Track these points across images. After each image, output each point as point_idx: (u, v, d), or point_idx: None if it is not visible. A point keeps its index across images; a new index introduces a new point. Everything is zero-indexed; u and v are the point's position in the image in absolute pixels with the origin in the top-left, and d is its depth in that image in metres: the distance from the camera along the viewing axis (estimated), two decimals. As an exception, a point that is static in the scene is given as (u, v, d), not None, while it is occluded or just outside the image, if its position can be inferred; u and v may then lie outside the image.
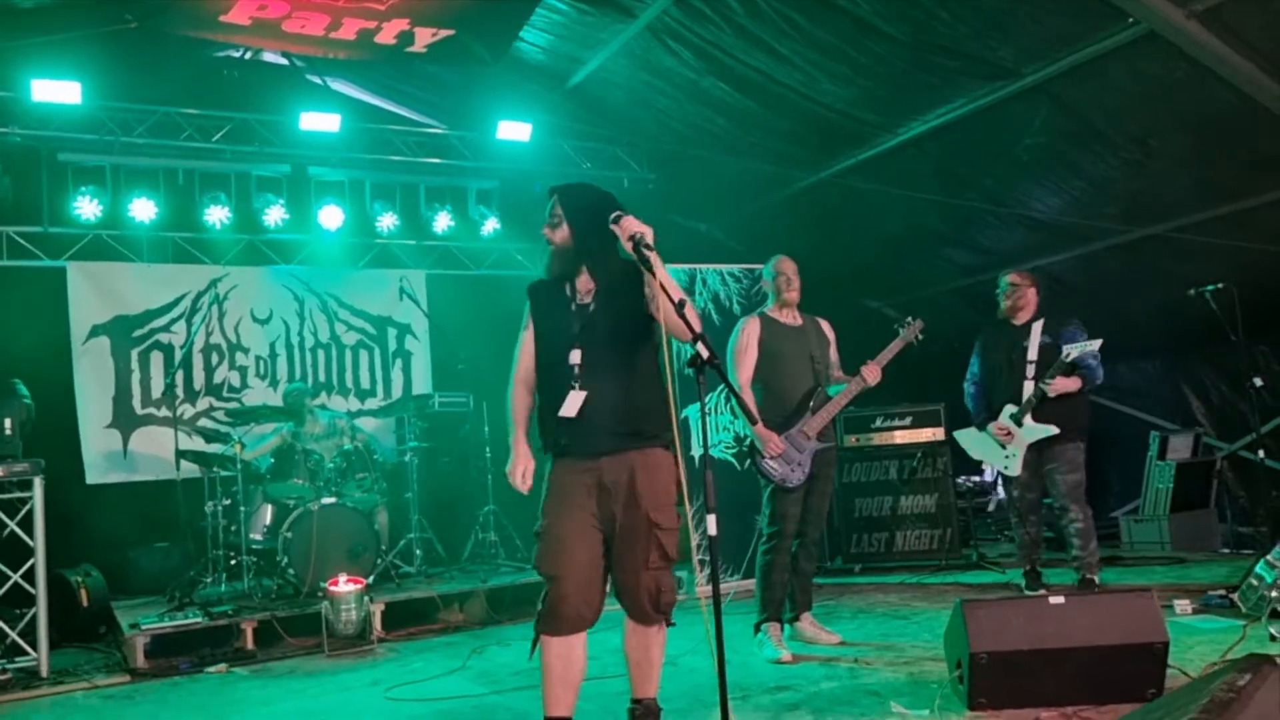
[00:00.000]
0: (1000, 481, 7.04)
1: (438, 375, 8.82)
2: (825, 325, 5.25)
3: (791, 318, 5.12)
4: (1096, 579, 5.58)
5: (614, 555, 3.33)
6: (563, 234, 3.41)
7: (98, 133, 6.91)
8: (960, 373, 6.13)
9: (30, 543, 5.48)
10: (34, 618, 5.49)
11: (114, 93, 6.94)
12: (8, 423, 5.57)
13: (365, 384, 8.65)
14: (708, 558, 2.97)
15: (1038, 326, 5.73)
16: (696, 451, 6.69)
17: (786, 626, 5.04)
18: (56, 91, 6.46)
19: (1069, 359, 5.51)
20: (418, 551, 7.25)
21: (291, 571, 6.23)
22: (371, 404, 8.62)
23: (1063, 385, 5.55)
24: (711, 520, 2.93)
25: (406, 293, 8.16)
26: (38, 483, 5.51)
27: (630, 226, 3.14)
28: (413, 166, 8.06)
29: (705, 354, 2.97)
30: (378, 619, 6.02)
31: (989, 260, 7.79)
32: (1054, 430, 5.56)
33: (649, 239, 3.12)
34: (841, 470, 7.40)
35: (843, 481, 7.44)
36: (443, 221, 8.31)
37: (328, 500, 6.42)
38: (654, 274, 3.07)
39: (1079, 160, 6.42)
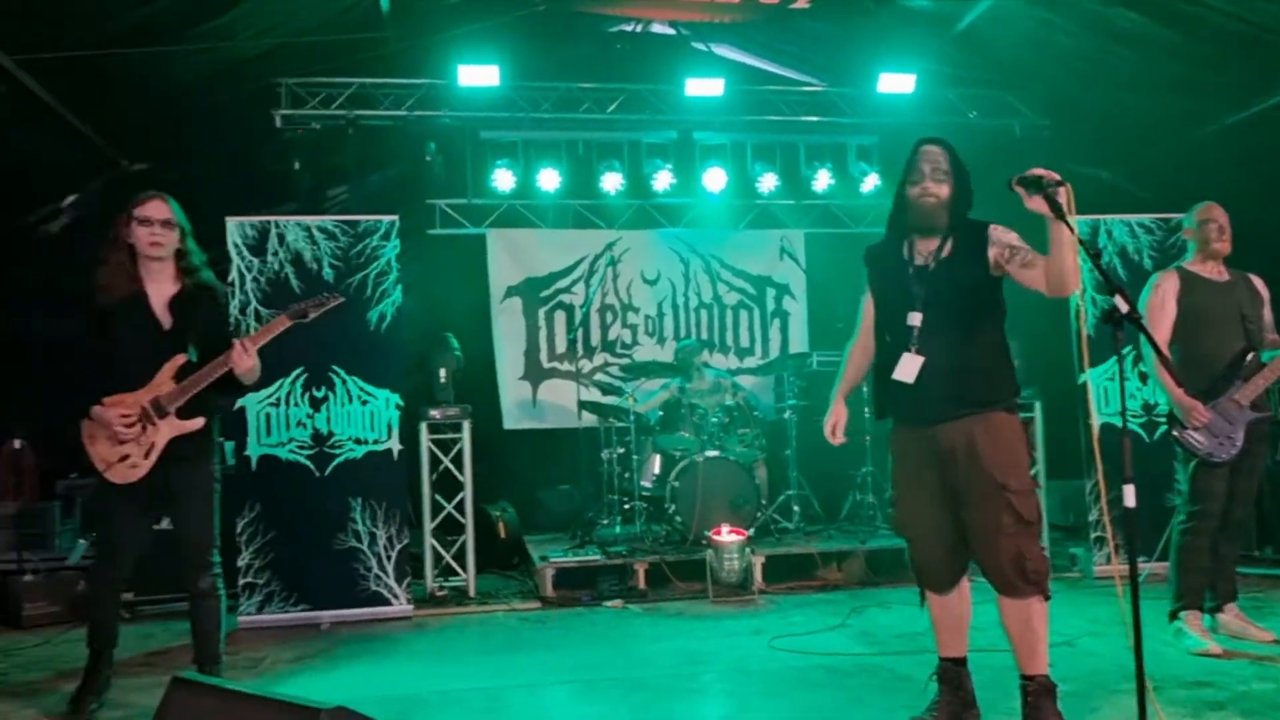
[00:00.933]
0: None
1: (814, 334, 8.87)
2: (1258, 282, 4.61)
3: (1217, 272, 4.54)
4: None
5: (966, 525, 3.22)
6: (946, 190, 3.28)
7: (510, 110, 7.66)
8: None
9: (460, 478, 6.27)
10: (463, 544, 6.27)
11: (524, 73, 7.62)
12: (442, 372, 6.39)
13: (745, 343, 8.88)
14: (1107, 534, 2.77)
15: None
16: (1096, 419, 6.17)
17: (1206, 617, 4.53)
18: (478, 75, 7.20)
19: None
20: (795, 508, 7.36)
21: (679, 519, 6.56)
22: (750, 362, 8.85)
23: None
24: (1129, 491, 2.73)
25: (787, 252, 8.26)
26: (466, 425, 6.28)
27: (1038, 172, 2.94)
28: (792, 126, 8.12)
29: (1124, 308, 2.73)
30: (759, 570, 6.19)
31: None
32: None
33: (1056, 178, 2.92)
34: (1276, 446, 6.48)
35: (1276, 459, 6.51)
36: (822, 180, 8.31)
37: (711, 453, 6.68)
38: (1067, 222, 2.87)
39: None
